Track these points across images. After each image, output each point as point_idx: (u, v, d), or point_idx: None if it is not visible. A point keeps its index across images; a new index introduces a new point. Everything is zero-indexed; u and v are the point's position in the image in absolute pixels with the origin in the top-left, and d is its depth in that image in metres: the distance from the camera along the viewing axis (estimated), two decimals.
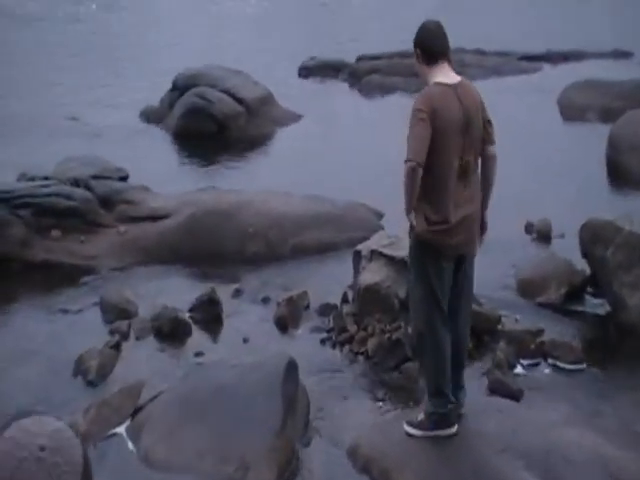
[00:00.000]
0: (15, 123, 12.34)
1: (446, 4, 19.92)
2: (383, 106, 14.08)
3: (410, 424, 4.99)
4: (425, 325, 4.83)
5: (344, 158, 10.96)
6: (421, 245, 4.74)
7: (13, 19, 18.31)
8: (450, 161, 4.60)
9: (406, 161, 4.49)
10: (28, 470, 1.15)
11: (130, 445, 5.28)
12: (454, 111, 4.58)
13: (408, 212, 4.65)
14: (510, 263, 7.60)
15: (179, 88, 13.12)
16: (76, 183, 8.70)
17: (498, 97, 13.20)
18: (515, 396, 5.60)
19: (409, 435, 4.96)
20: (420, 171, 4.48)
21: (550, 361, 6.16)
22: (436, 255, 4.70)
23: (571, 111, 12.97)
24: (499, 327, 6.50)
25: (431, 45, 4.71)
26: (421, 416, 4.97)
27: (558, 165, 10.38)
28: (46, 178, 8.72)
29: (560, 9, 21.08)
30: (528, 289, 7.17)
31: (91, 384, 6.02)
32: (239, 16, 19.98)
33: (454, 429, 4.90)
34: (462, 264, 4.82)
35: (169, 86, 13.25)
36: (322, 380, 6.02)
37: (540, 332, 6.43)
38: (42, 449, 1.17)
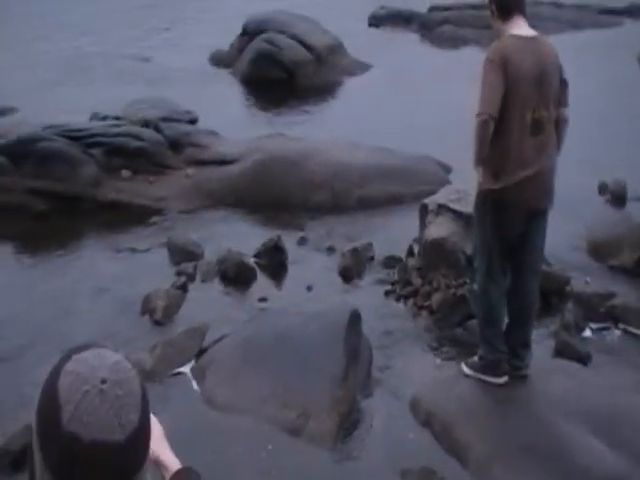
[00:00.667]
0: (87, 63, 12.44)
1: None
2: (454, 58, 13.81)
3: (466, 363, 5.09)
4: (480, 275, 4.81)
5: (413, 110, 10.80)
6: (486, 200, 4.68)
7: None
8: (523, 114, 4.50)
9: (478, 114, 4.42)
10: (91, 403, 1.15)
11: (194, 385, 5.36)
12: (528, 63, 4.48)
13: (477, 165, 4.60)
14: (582, 224, 7.43)
15: (249, 33, 13.05)
16: (146, 124, 8.75)
17: (575, 52, 12.82)
18: (582, 359, 5.51)
19: (464, 374, 5.04)
20: (492, 124, 4.42)
21: (620, 325, 6.04)
22: (500, 211, 4.63)
23: None
24: (568, 289, 6.38)
25: (504, 1, 4.60)
26: (475, 358, 5.03)
27: (636, 123, 10.06)
28: (117, 118, 8.79)
29: None
30: (600, 251, 7.02)
31: (157, 323, 6.11)
32: None
33: (501, 380, 4.90)
34: (532, 220, 4.73)
35: (239, 31, 13.17)
36: (385, 332, 6.00)
37: (611, 296, 6.29)
38: (103, 382, 1.17)
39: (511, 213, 4.64)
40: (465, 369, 5.04)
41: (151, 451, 1.61)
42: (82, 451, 1.26)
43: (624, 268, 6.81)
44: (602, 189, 8.31)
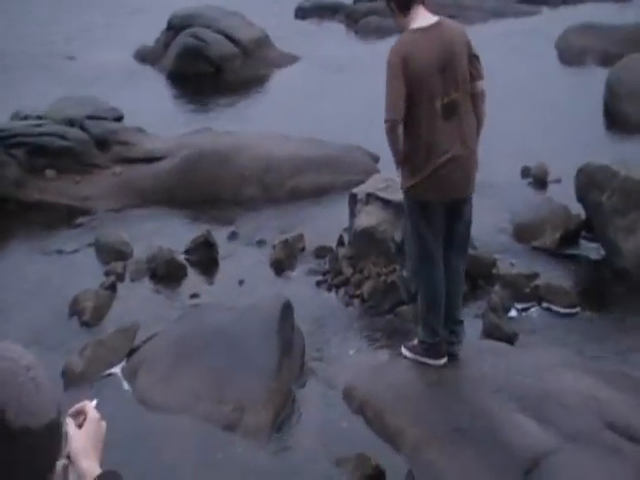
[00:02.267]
0: (8, 62, 12.18)
1: None
2: (380, 49, 13.80)
3: (405, 347, 5.17)
4: (418, 263, 4.90)
5: (340, 101, 10.85)
6: (409, 198, 4.82)
7: None
8: (431, 103, 4.58)
9: (386, 120, 4.55)
10: (29, 393, 1.16)
11: (126, 385, 5.31)
12: (430, 53, 4.55)
13: (398, 167, 4.76)
14: (506, 207, 7.57)
15: (174, 28, 12.94)
16: (70, 123, 8.62)
17: (496, 40, 13.10)
18: (510, 339, 5.63)
19: (403, 357, 5.13)
20: (400, 127, 4.55)
21: (545, 305, 6.18)
22: (425, 204, 4.72)
23: (569, 55, 12.82)
24: (494, 271, 6.51)
25: None
26: (415, 341, 5.12)
27: (555, 109, 10.29)
28: (40, 117, 8.64)
29: None
30: (523, 233, 7.16)
31: (86, 325, 6.04)
32: None
33: (442, 361, 5.01)
34: (457, 205, 4.82)
35: (164, 26, 13.05)
36: (318, 322, 6.04)
37: (535, 276, 6.44)
38: (28, 369, 1.19)
39: (434, 206, 4.72)
40: (405, 352, 5.13)
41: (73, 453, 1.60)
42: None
43: (546, 249, 6.98)
44: (524, 173, 8.49)
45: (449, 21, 4.81)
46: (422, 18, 4.66)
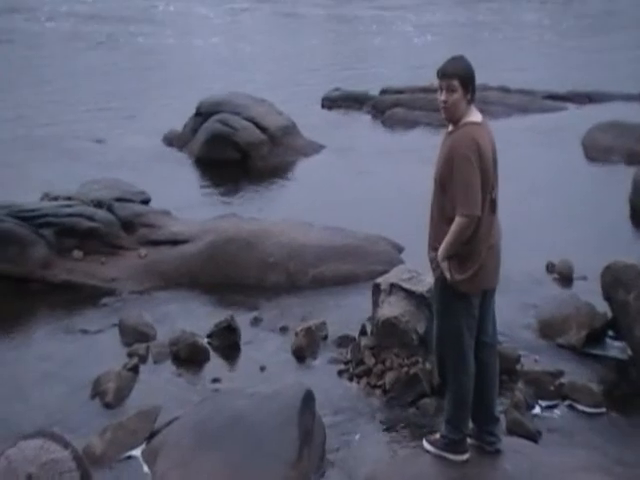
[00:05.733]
0: (40, 144, 12.46)
1: (458, 42, 19.98)
2: (405, 140, 14.12)
3: (428, 440, 5.08)
4: (456, 359, 4.84)
5: (365, 190, 10.98)
6: (453, 290, 4.74)
7: (30, 38, 18.51)
8: (486, 199, 4.63)
9: (466, 215, 4.51)
10: None
11: (145, 469, 5.28)
12: (489, 149, 4.64)
13: (444, 259, 4.66)
14: (530, 303, 7.57)
15: (202, 114, 13.20)
16: (99, 205, 8.75)
17: (521, 135, 13.29)
18: (533, 437, 5.56)
19: (426, 451, 5.04)
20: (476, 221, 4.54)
21: (569, 403, 6.12)
22: (468, 297, 4.72)
23: (595, 152, 12.93)
24: (518, 367, 6.47)
25: (474, 82, 4.72)
26: (437, 435, 5.05)
27: (581, 206, 10.34)
28: (69, 198, 8.79)
29: (586, 50, 21.14)
30: (548, 330, 7.13)
31: (108, 406, 6.04)
32: (265, 48, 20.12)
33: (464, 457, 4.93)
34: (486, 297, 4.84)
35: (192, 112, 13.34)
36: (339, 413, 5.99)
37: (559, 374, 6.38)
38: (29, 478, 1.15)
39: (474, 299, 4.73)
40: (427, 446, 5.05)
41: None
42: None
43: (572, 346, 6.93)
44: (549, 269, 8.48)
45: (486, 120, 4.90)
46: (476, 112, 4.75)
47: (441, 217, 4.71)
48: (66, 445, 1.38)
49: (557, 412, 6.06)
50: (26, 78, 15.58)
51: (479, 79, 4.79)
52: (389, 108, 15.88)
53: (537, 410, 6.06)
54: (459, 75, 4.66)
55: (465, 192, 4.53)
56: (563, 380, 6.27)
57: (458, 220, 4.55)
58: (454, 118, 4.72)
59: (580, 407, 6.06)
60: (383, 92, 16.71)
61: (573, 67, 18.93)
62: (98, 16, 20.41)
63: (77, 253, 8.20)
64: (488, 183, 4.61)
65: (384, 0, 23.40)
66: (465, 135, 4.62)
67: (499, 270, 4.84)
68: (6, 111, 13.70)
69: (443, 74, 4.68)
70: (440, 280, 4.77)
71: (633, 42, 21.41)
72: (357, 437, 5.72)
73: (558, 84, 17.04)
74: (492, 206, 4.70)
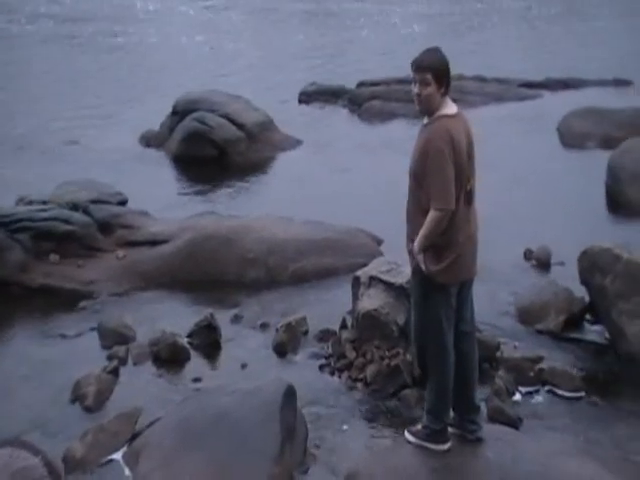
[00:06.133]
0: (13, 145, 12.37)
1: (442, 32, 20.04)
2: (383, 132, 14.13)
3: (409, 431, 5.08)
4: (436, 349, 4.84)
5: (344, 184, 10.99)
6: (434, 282, 4.74)
7: (10, 40, 18.38)
8: (461, 190, 4.63)
9: (440, 209, 4.51)
10: None
11: (127, 471, 5.25)
12: (463, 142, 4.62)
13: (420, 252, 4.67)
14: (509, 290, 7.60)
15: (179, 112, 13.16)
16: (75, 207, 8.70)
17: (498, 124, 13.34)
18: (514, 424, 5.58)
19: (408, 442, 5.04)
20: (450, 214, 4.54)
21: (549, 389, 6.15)
22: (446, 288, 4.72)
23: (571, 138, 13.01)
24: (498, 354, 6.49)
25: (449, 75, 4.67)
26: (419, 426, 5.06)
27: (558, 192, 10.40)
28: (44, 202, 8.74)
29: (560, 37, 21.22)
30: (527, 316, 7.16)
31: (88, 410, 6.01)
32: (248, 44, 20.05)
33: (446, 446, 4.94)
34: (464, 287, 4.85)
35: (169, 110, 13.29)
36: (321, 407, 6.00)
37: (539, 359, 6.41)
38: None
39: (452, 290, 4.74)
40: (409, 437, 5.06)
41: None
42: None
43: (551, 332, 6.96)
44: (527, 256, 8.52)
45: (460, 109, 4.84)
46: (451, 104, 4.72)
47: (417, 209, 4.71)
48: (36, 452, 1.35)
49: (537, 398, 6.09)
50: (2, 79, 15.46)
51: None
52: (366, 101, 15.90)
53: (518, 396, 6.09)
54: (432, 68, 4.63)
55: (439, 186, 4.53)
56: (543, 365, 6.30)
57: (432, 213, 4.56)
58: (428, 111, 4.71)
59: (560, 392, 6.10)
60: (360, 85, 16.72)
61: (552, 54, 18.99)
62: (78, 17, 20.33)
63: (54, 257, 8.15)
64: (463, 175, 4.61)
65: None
66: (439, 128, 4.60)
67: (476, 260, 4.85)
68: None
69: (417, 67, 4.66)
70: (417, 271, 4.78)
71: (617, 28, 21.51)
72: (339, 431, 5.73)
73: (535, 72, 17.11)
74: (468, 197, 4.70)
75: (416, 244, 4.64)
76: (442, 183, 4.52)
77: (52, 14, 20.52)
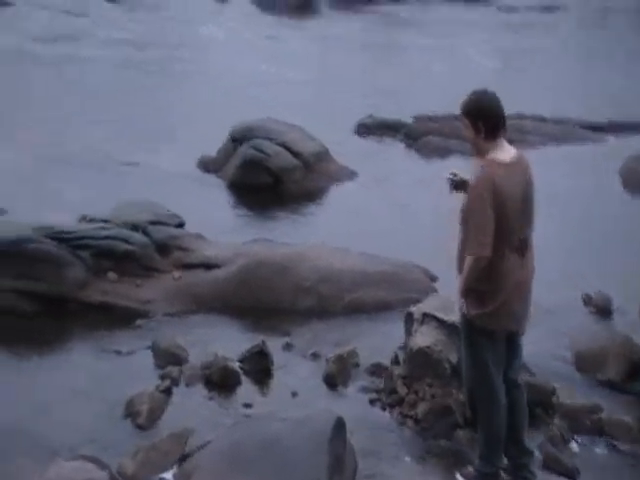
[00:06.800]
0: (74, 164, 12.58)
1: (504, 68, 20.00)
2: (438, 167, 14.04)
3: (461, 474, 5.11)
4: (484, 393, 4.81)
5: (399, 218, 10.98)
6: (476, 325, 4.72)
7: (83, 63, 18.87)
8: (511, 237, 4.59)
9: (474, 254, 4.51)
10: None
11: None
12: (514, 187, 4.56)
13: (462, 295, 4.69)
14: (566, 334, 7.49)
15: (237, 139, 13.30)
16: (134, 227, 8.81)
17: (557, 166, 13.22)
18: (571, 475, 5.46)
19: None
20: (485, 262, 4.52)
21: (607, 440, 6.02)
22: (489, 334, 4.69)
23: (633, 182, 12.82)
24: (554, 400, 6.38)
25: (495, 120, 4.59)
26: (471, 469, 5.07)
27: (618, 237, 10.23)
28: (105, 221, 8.87)
29: (625, 78, 20.93)
30: (584, 363, 7.03)
31: (140, 427, 6.07)
32: (303, 71, 20.25)
33: None
34: (513, 336, 4.82)
35: (227, 136, 13.43)
36: (370, 441, 5.96)
37: (597, 408, 6.27)
38: None
39: (498, 336, 4.71)
40: (461, 479, 5.00)
41: None
42: None
43: (609, 380, 6.83)
44: (586, 301, 8.39)
45: (523, 155, 4.80)
46: (505, 149, 4.66)
47: (464, 249, 4.70)
48: (103, 466, 1.38)
49: (595, 449, 5.96)
50: (73, 101, 15.84)
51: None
52: (422, 136, 15.90)
53: (574, 445, 5.96)
54: (467, 112, 4.65)
55: (474, 231, 4.53)
56: (601, 415, 6.18)
57: (467, 258, 4.54)
58: (478, 153, 4.69)
59: (618, 444, 5.97)
60: (417, 119, 16.73)
61: (615, 96, 18.75)
62: (147, 43, 20.88)
63: (112, 275, 8.26)
64: (511, 223, 4.56)
65: (444, 28, 23.48)
66: (483, 174, 4.57)
67: (526, 313, 4.79)
68: (47, 130, 13.90)
69: (460, 109, 4.68)
70: (462, 314, 4.78)
71: None
72: (388, 466, 5.68)
73: (598, 113, 16.91)
74: (520, 246, 4.64)
75: (458, 286, 4.64)
76: (477, 229, 4.50)
77: (123, 40, 21.07)
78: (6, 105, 14.90)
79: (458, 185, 4.82)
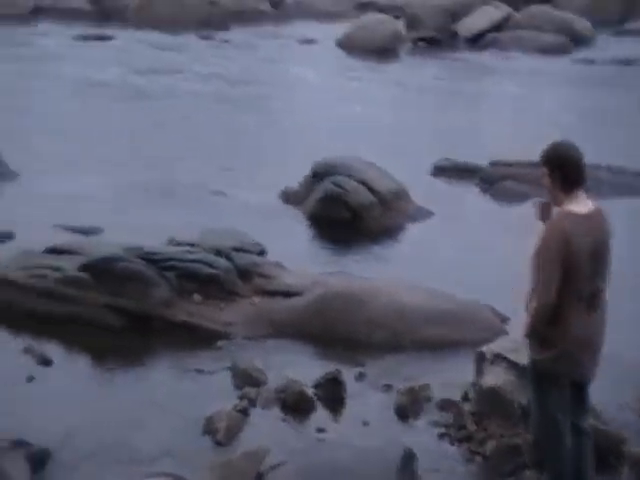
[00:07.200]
0: (163, 193, 13.07)
1: (586, 114, 19.91)
2: (514, 213, 14.16)
3: None
4: (545, 438, 4.90)
5: (472, 258, 11.10)
6: (537, 370, 4.87)
7: (175, 97, 19.60)
8: (579, 291, 4.68)
9: (541, 304, 4.64)
10: None
11: None
12: (585, 241, 4.63)
13: (527, 336, 4.85)
14: (635, 385, 7.51)
15: (318, 175, 13.64)
16: (218, 253, 9.19)
17: (633, 220, 13.15)
18: None
19: None
20: (551, 310, 4.64)
21: None
22: (553, 380, 4.82)
23: None
24: (625, 448, 6.40)
25: (573, 171, 4.67)
26: None
27: None
28: (192, 245, 9.27)
29: None
30: None
31: (218, 444, 6.33)
32: (383, 113, 20.57)
33: None
34: (582, 389, 4.91)
35: (309, 172, 13.79)
36: (439, 474, 6.11)
37: None
38: None
39: (563, 382, 4.81)
40: None
41: None
42: None
43: None
44: None
45: (601, 209, 4.87)
46: (582, 202, 4.73)
47: (532, 293, 4.82)
48: None
49: None
50: (169, 132, 16.50)
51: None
52: (498, 180, 15.99)
53: None
54: (546, 161, 4.73)
55: (538, 279, 4.63)
56: None
57: (533, 302, 4.66)
58: (555, 203, 4.79)
59: None
60: (493, 164, 16.83)
61: None
62: (240, 79, 21.55)
63: (197, 297, 8.63)
64: (579, 275, 4.62)
65: (522, 78, 23.62)
66: (554, 225, 4.67)
67: (593, 365, 4.88)
68: (141, 160, 14.49)
69: (540, 158, 4.81)
70: (529, 357, 4.90)
71: None
72: None
73: None
74: (590, 298, 4.72)
75: (523, 328, 4.77)
76: (544, 277, 4.61)
77: (216, 74, 21.80)
78: (109, 135, 15.63)
79: (544, 210, 4.89)
